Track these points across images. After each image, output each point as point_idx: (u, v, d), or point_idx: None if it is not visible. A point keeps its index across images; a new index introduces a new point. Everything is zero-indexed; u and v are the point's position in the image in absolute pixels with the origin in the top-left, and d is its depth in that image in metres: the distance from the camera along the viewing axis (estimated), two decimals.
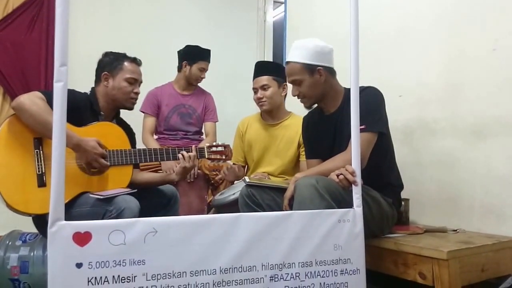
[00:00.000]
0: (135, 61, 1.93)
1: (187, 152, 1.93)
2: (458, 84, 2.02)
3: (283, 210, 1.71)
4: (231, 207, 2.00)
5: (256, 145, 2.40)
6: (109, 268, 1.23)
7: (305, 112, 2.40)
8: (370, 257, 1.53)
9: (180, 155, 1.91)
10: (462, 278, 1.53)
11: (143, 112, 2.66)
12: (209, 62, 2.70)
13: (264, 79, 2.29)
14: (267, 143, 2.37)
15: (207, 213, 2.49)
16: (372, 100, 1.68)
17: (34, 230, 1.86)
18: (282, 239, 1.39)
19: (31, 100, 1.60)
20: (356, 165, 1.49)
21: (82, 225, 1.23)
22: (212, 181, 2.52)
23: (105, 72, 1.87)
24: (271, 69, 2.34)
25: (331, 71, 1.79)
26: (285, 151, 2.33)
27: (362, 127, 1.55)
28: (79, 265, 1.21)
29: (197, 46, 2.71)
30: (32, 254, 1.87)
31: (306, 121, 1.99)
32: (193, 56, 2.67)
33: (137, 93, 1.92)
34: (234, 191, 2.00)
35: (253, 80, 2.36)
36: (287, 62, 1.81)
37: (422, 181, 2.12)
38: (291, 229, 1.41)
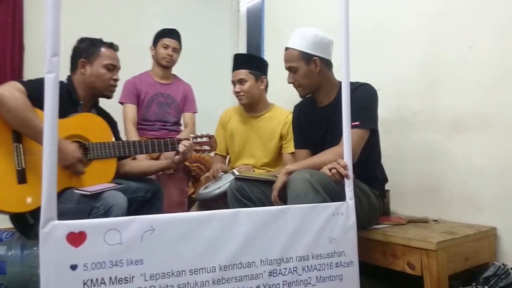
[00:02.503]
0: (112, 47, 1.85)
1: (177, 143, 1.88)
2: (436, 79, 2.08)
3: (272, 203, 1.71)
4: (217, 201, 1.97)
5: (238, 136, 2.37)
6: (106, 269, 1.18)
7: (288, 105, 2.41)
8: (359, 249, 1.55)
9: (182, 147, 1.87)
10: (449, 268, 1.59)
11: (123, 103, 2.55)
12: (174, 39, 2.61)
13: (241, 73, 2.26)
14: (249, 135, 2.35)
15: (190, 207, 2.46)
16: (368, 98, 1.71)
17: (8, 225, 1.75)
18: (280, 234, 1.39)
19: (10, 93, 1.49)
20: (348, 158, 1.51)
21: (76, 224, 1.17)
22: (193, 173, 2.47)
23: (82, 59, 1.78)
24: (249, 62, 2.30)
25: (327, 63, 1.80)
26: (267, 143, 2.32)
27: (357, 123, 1.58)
28: (73, 267, 1.15)
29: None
30: (9, 253, 1.76)
31: (298, 111, 1.99)
32: (156, 37, 2.63)
33: (116, 80, 1.84)
34: (220, 185, 1.97)
35: (232, 72, 2.33)
36: (286, 48, 1.81)
37: (401, 173, 2.18)
38: (289, 223, 1.41)
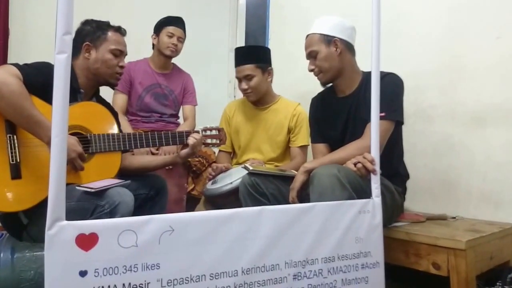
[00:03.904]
0: (120, 31, 1.70)
1: (186, 136, 1.76)
2: (458, 71, 1.99)
3: (289, 201, 1.60)
4: (227, 197, 1.84)
5: (244, 130, 2.25)
6: (119, 275, 1.05)
7: (299, 99, 2.30)
8: None
9: (192, 139, 1.75)
10: (476, 268, 1.51)
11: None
12: (180, 28, 2.46)
13: (247, 69, 2.11)
14: (255, 128, 2.23)
15: (188, 204, 2.32)
16: (394, 88, 1.62)
17: None
18: (306, 234, 1.29)
19: (4, 78, 1.32)
20: (375, 153, 1.41)
21: (87, 225, 1.04)
22: (194, 168, 2.33)
23: (87, 43, 1.62)
24: (254, 55, 2.14)
25: (349, 47, 1.71)
26: (274, 137, 2.20)
27: (382, 114, 1.48)
28: (83, 273, 1.02)
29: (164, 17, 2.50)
30: None
31: (316, 102, 1.88)
32: (160, 25, 2.46)
33: (122, 67, 1.69)
34: (231, 180, 1.83)
35: (235, 68, 2.17)
36: (307, 36, 1.74)
37: (417, 168, 2.08)
38: (314, 222, 1.31)
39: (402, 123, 1.67)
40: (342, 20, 1.72)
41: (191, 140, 1.74)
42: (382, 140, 1.54)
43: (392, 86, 1.61)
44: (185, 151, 1.77)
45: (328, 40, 1.68)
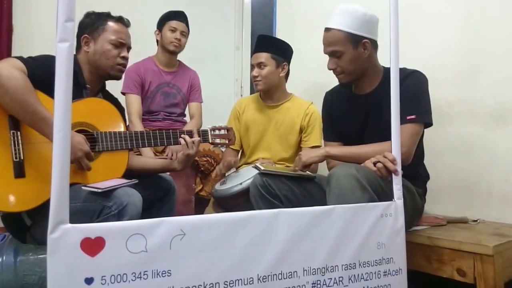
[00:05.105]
0: (121, 21, 1.61)
1: (190, 136, 1.66)
2: (477, 66, 1.90)
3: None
4: (236, 199, 1.77)
5: (254, 128, 2.17)
6: (127, 283, 0.98)
7: (308, 96, 2.22)
8: None
9: (182, 141, 1.64)
10: (504, 274, 1.43)
11: (125, 93, 2.30)
12: (182, 22, 2.39)
13: (262, 56, 2.07)
14: (265, 126, 2.15)
15: (197, 205, 2.25)
16: (421, 87, 1.52)
17: None
18: (325, 238, 1.21)
19: (9, 71, 1.26)
20: (396, 152, 1.33)
21: (92, 228, 0.96)
22: (202, 168, 2.26)
23: (85, 35, 1.55)
24: (272, 46, 2.11)
25: (375, 46, 1.59)
26: (285, 136, 2.13)
27: (412, 117, 1.40)
28: (89, 281, 0.95)
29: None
30: (0, 260, 1.53)
31: (330, 98, 1.78)
32: (162, 20, 2.41)
33: (124, 58, 1.60)
34: (241, 181, 1.76)
35: (252, 55, 2.14)
36: (328, 29, 1.56)
37: (434, 169, 1.97)
38: (334, 226, 1.23)
39: (431, 125, 1.57)
40: (370, 15, 1.55)
41: (182, 142, 1.63)
42: (413, 145, 1.47)
43: (419, 85, 1.52)
44: (180, 155, 1.67)
45: (357, 40, 1.52)
